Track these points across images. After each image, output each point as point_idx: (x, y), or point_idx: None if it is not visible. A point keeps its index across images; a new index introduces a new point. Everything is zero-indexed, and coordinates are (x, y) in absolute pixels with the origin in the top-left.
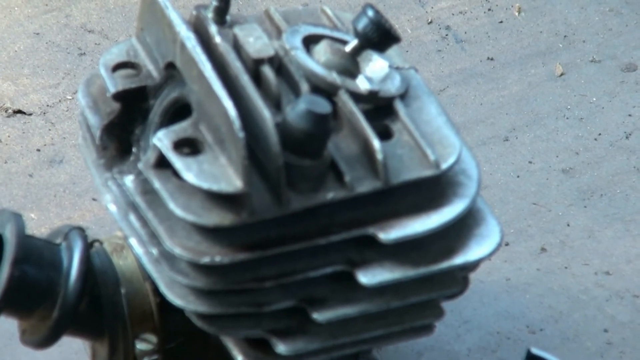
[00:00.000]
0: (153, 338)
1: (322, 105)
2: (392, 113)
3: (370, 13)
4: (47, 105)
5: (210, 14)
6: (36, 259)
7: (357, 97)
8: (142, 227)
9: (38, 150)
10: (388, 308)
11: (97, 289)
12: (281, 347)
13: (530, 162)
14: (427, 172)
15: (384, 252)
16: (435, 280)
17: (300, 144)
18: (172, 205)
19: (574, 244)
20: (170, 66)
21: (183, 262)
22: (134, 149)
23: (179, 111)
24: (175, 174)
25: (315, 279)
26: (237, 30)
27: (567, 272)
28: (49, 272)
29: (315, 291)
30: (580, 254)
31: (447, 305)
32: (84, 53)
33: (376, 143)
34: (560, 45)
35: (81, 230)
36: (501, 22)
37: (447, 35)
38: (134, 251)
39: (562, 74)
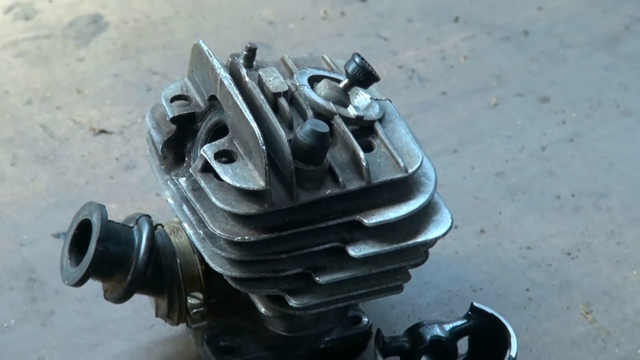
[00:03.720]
0: (200, 295)
1: (322, 126)
2: (373, 132)
3: (357, 59)
4: (124, 127)
5: (241, 60)
6: (115, 238)
7: (347, 120)
8: (192, 214)
9: (117, 159)
10: (370, 273)
11: (159, 259)
12: (293, 302)
13: (472, 168)
14: (399, 175)
15: (367, 233)
16: (404, 253)
17: (306, 155)
18: (214, 199)
19: (504, 227)
20: (213, 98)
21: (222, 240)
22: (186, 158)
23: (219, 131)
24: (216, 176)
25: (318, 252)
26: (260, 72)
27: (499, 248)
28: (124, 248)
29: (318, 261)
30: (509, 234)
31: (412, 271)
32: (150, 89)
33: (362, 154)
34: (495, 83)
35: (148, 216)
36: (452, 66)
37: (412, 76)
38: (186, 232)
39: (495, 104)
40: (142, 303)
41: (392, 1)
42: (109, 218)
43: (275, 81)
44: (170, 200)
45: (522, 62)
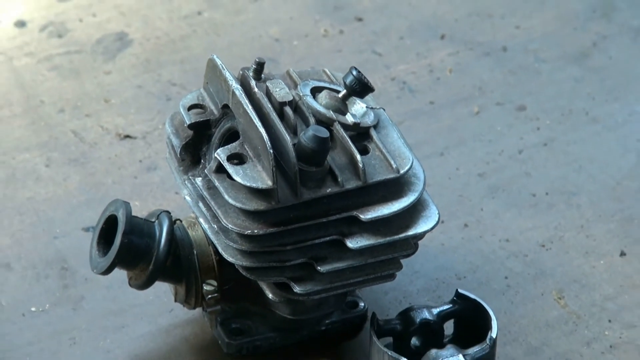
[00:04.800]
0: (214, 283)
1: (323, 132)
2: (368, 137)
3: (354, 72)
4: (146, 132)
5: (251, 73)
6: (138, 231)
7: (345, 127)
8: (207, 210)
9: (140, 161)
10: (366, 263)
11: (178, 250)
12: (297, 288)
13: (457, 169)
14: (391, 175)
15: (363, 227)
16: (396, 245)
17: (309, 157)
18: (227, 197)
19: (486, 222)
20: (225, 107)
21: (233, 234)
22: (202, 160)
23: (231, 136)
24: (229, 176)
25: (319, 244)
26: (268, 83)
27: (481, 240)
28: (147, 240)
29: (319, 252)
30: (490, 228)
31: (403, 261)
32: (170, 99)
33: (358, 156)
34: (477, 94)
35: (168, 212)
36: (439, 78)
37: (403, 87)
38: (202, 226)
39: (477, 112)
40: (162, 289)
41: (385, 21)
42: (133, 214)
43: (281, 92)
44: (188, 198)
45: (501, 74)
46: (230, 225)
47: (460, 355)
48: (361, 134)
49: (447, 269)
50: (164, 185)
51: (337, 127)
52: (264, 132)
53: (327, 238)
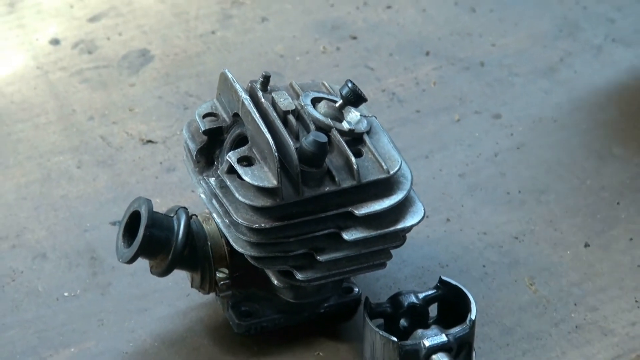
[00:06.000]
0: (226, 270)
1: (322, 137)
2: (362, 142)
3: (349, 84)
4: (166, 137)
5: (258, 85)
6: (159, 225)
7: (342, 133)
8: (219, 207)
9: (160, 163)
10: (360, 253)
11: (194, 242)
12: (299, 276)
13: (440, 170)
14: (382, 175)
15: (358, 221)
16: (387, 237)
17: (309, 159)
18: (237, 195)
19: (465, 217)
20: (236, 115)
21: (243, 227)
22: (215, 162)
23: (241, 141)
24: (239, 176)
25: (318, 236)
26: (273, 94)
27: (462, 233)
28: (166, 233)
29: (318, 244)
30: (469, 222)
31: (393, 251)
32: (187, 108)
33: (353, 159)
34: (457, 104)
35: (185, 208)
36: (424, 90)
37: (392, 98)
38: (215, 221)
39: (458, 120)
40: (180, 276)
41: (377, 39)
42: (154, 209)
43: (285, 102)
44: (203, 196)
45: (479, 87)
46: (240, 220)
47: (443, 335)
48: (355, 139)
49: (432, 259)
50: (181, 185)
51: (335, 133)
52: (270, 137)
53: (326, 231)
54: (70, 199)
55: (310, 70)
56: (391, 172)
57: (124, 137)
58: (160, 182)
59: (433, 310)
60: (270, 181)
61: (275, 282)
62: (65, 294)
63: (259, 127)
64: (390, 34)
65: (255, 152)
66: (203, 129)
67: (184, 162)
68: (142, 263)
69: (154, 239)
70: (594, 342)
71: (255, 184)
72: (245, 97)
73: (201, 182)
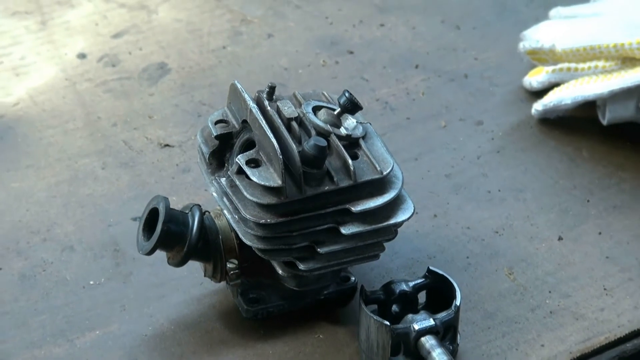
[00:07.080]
0: (235, 261)
1: (322, 142)
2: (358, 146)
3: (347, 94)
4: (182, 142)
5: (264, 95)
6: (175, 220)
7: (340, 137)
8: (230, 204)
9: (177, 165)
10: (356, 246)
11: (207, 236)
12: (301, 266)
13: (428, 171)
14: (376, 176)
15: (354, 217)
16: (380, 231)
17: (311, 162)
18: (245, 193)
19: (451, 213)
20: (244, 122)
21: (251, 222)
22: (226, 164)
23: (249, 145)
24: (247, 177)
25: (319, 231)
26: (278, 103)
27: (447, 228)
28: (182, 228)
29: (319, 237)
30: (454, 218)
31: (386, 244)
32: (200, 115)
33: (350, 161)
34: (444, 111)
35: (199, 205)
36: (414, 99)
37: (385, 106)
38: (225, 217)
39: (444, 126)
40: (194, 267)
41: (372, 54)
42: (171, 206)
43: (289, 109)
44: (214, 194)
45: (463, 96)
46: (248, 216)
47: (431, 319)
48: (352, 143)
49: (420, 251)
50: (195, 184)
51: (333, 138)
52: (275, 141)
53: (325, 226)
54: (96, 197)
55: (312, 82)
56: (384, 173)
57: (144, 141)
58: (176, 182)
59: (422, 297)
60: (276, 181)
61: (280, 271)
62: (91, 283)
63: (266, 132)
64: (383, 49)
65: (262, 155)
66: (215, 134)
67: (198, 164)
68: (160, 255)
69: (171, 233)
70: (566, 326)
71: (262, 183)
72: (253, 105)
73: (213, 182)
